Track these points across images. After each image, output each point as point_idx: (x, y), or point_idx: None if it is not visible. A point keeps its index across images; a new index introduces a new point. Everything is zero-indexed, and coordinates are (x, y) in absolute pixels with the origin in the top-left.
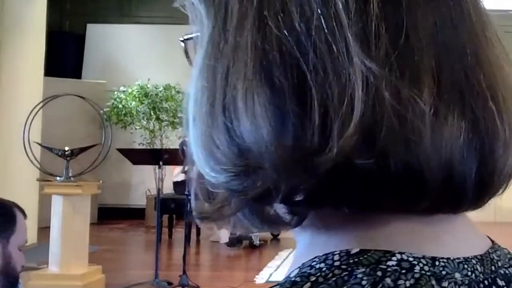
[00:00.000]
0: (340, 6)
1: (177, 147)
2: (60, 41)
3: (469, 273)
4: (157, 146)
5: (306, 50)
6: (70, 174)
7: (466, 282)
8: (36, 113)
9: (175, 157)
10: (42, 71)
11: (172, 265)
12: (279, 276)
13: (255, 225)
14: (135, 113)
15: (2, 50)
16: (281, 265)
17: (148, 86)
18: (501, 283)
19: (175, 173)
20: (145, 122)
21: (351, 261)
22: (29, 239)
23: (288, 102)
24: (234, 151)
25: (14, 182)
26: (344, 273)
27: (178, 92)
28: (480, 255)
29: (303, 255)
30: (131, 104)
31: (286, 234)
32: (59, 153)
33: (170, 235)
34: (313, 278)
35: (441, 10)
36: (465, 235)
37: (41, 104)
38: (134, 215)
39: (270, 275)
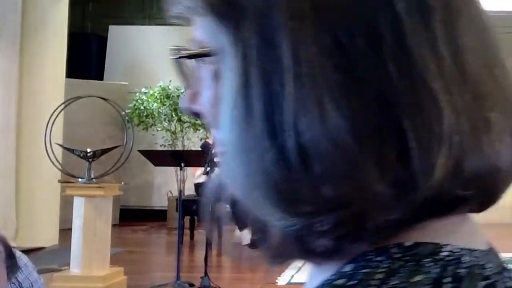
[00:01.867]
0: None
1: (199, 148)
2: (82, 42)
3: (494, 264)
4: (179, 147)
5: (400, 91)
6: (92, 176)
7: (496, 271)
8: (58, 114)
9: (196, 158)
10: (64, 73)
11: (193, 267)
12: (301, 277)
13: (293, 256)
14: (156, 114)
15: (25, 51)
16: (303, 266)
17: (170, 87)
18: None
19: (196, 174)
20: (166, 124)
21: (409, 252)
22: (51, 240)
23: (385, 144)
24: (325, 194)
25: (36, 183)
26: (409, 264)
27: None
28: (491, 249)
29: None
30: (152, 105)
31: None
32: (81, 155)
33: (191, 237)
34: (379, 270)
35: (477, 28)
36: (478, 230)
37: (63, 106)
38: (156, 216)
39: (292, 276)
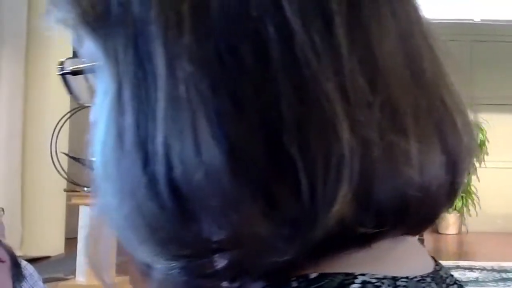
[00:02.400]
0: (310, 52)
1: None
2: None
3: None
4: None
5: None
6: None
7: None
8: (64, 123)
9: None
10: None
11: None
12: None
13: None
14: None
15: (30, 59)
16: None
17: None
18: None
19: None
20: None
21: (313, 286)
22: (56, 249)
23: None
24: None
25: (42, 192)
26: None
27: None
28: (432, 273)
29: None
30: None
31: None
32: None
33: None
34: None
35: (408, 39)
36: (417, 253)
37: (68, 115)
38: None
39: None
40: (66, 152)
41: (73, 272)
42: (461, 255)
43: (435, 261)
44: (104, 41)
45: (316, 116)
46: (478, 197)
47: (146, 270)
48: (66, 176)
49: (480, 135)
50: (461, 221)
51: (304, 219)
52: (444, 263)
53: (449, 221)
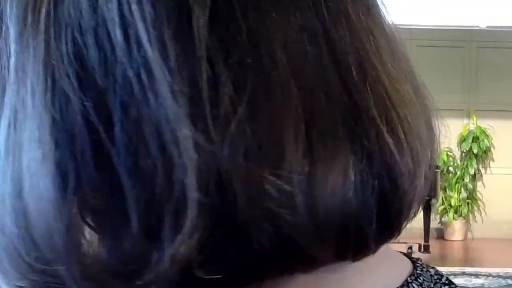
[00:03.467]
0: (151, 50)
1: None
2: None
3: None
4: None
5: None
6: None
7: None
8: None
9: None
10: None
11: None
12: None
13: None
14: None
15: None
16: None
17: None
18: None
19: None
20: None
21: None
22: None
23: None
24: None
25: None
26: None
27: None
28: None
29: None
30: None
31: None
32: None
33: None
34: None
35: (303, 20)
36: (377, 271)
37: None
38: None
39: None
40: None
41: None
42: (466, 262)
43: (415, 267)
44: None
45: (153, 136)
46: (483, 203)
47: None
48: None
49: (486, 142)
50: (467, 227)
51: (140, 257)
52: (450, 269)
53: (455, 228)
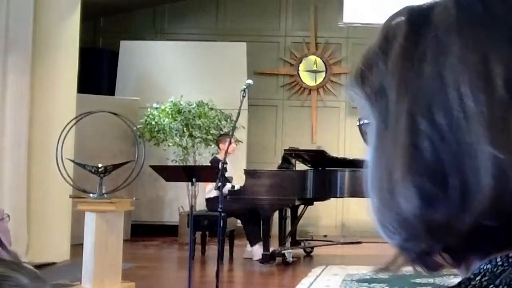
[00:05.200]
0: (472, 103)
1: (209, 163)
2: (94, 58)
3: None
4: (190, 163)
5: (448, 147)
6: (104, 191)
7: None
8: (69, 130)
9: (207, 173)
10: (75, 88)
11: (205, 282)
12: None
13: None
14: (168, 130)
15: (36, 67)
16: (314, 282)
17: (181, 102)
18: None
19: (207, 189)
20: (178, 139)
21: (510, 260)
22: (62, 256)
23: (437, 186)
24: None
25: (47, 198)
26: (506, 267)
27: (211, 109)
28: None
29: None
30: (164, 121)
31: (319, 251)
32: (92, 170)
33: (203, 252)
34: (483, 273)
35: None
36: None
37: (74, 121)
38: (167, 232)
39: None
40: (72, 158)
41: (78, 279)
42: None
43: None
44: (374, 109)
45: (470, 151)
46: None
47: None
48: (71, 183)
49: None
50: None
51: (457, 215)
52: None
53: None
